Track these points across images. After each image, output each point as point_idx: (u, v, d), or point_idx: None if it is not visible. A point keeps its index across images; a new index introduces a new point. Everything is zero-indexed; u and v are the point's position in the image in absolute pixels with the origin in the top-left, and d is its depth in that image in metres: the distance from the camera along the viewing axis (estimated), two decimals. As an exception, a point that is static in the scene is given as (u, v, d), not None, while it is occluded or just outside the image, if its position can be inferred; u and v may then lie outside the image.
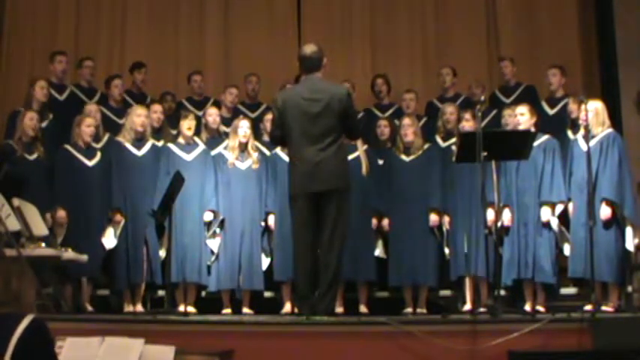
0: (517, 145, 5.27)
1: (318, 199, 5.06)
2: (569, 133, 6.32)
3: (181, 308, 5.79)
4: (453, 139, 6.45)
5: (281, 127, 5.17)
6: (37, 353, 2.46)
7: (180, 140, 6.50)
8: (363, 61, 8.58)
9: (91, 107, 6.77)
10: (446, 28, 8.62)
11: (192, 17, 8.68)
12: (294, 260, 5.17)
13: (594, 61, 8.23)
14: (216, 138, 6.75)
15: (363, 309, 6.31)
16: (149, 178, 6.32)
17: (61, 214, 6.11)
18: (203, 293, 6.46)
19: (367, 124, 7.05)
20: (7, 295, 2.64)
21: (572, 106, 6.25)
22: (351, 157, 6.33)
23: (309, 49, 5.26)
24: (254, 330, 4.65)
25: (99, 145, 6.56)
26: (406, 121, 6.52)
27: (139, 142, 6.39)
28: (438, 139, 6.64)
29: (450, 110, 6.65)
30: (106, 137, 6.70)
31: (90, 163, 6.29)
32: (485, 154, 4.93)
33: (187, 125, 6.42)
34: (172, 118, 7.15)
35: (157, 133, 6.69)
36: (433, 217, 6.29)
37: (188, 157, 6.41)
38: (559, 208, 5.90)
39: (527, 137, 5.44)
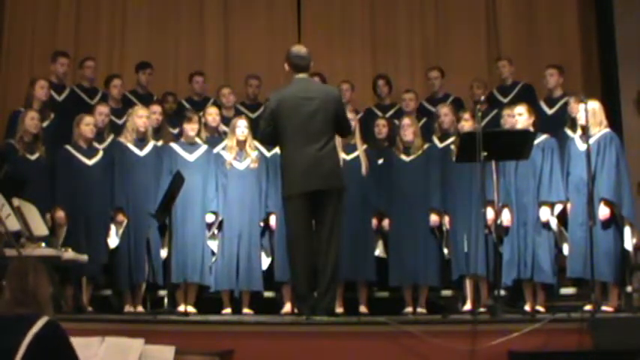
0: (517, 144, 5.27)
1: (314, 198, 5.06)
2: (569, 132, 6.31)
3: (181, 308, 5.79)
4: (450, 140, 6.46)
5: (273, 126, 5.18)
6: (51, 355, 2.45)
7: (183, 140, 6.51)
8: (363, 61, 8.58)
9: (102, 108, 6.74)
10: (446, 29, 8.61)
11: (192, 17, 8.68)
12: (292, 261, 5.17)
13: (594, 61, 8.22)
14: (215, 137, 6.76)
15: (363, 309, 6.31)
16: (151, 178, 6.33)
17: (60, 214, 6.11)
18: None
19: (367, 123, 7.06)
20: (24, 294, 2.63)
21: (574, 106, 6.25)
22: (350, 156, 6.36)
23: (303, 49, 5.36)
24: (254, 330, 4.65)
25: (102, 146, 6.55)
26: (406, 121, 6.53)
27: (140, 142, 6.40)
28: (436, 140, 6.64)
29: (444, 111, 6.64)
30: (110, 138, 6.67)
31: (90, 163, 6.30)
32: (485, 154, 4.94)
33: (191, 128, 6.44)
34: (173, 118, 7.16)
35: (156, 133, 6.70)
36: (433, 217, 6.29)
37: (190, 157, 6.42)
38: (558, 207, 5.91)
39: (527, 137, 5.44)
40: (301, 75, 5.28)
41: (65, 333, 2.56)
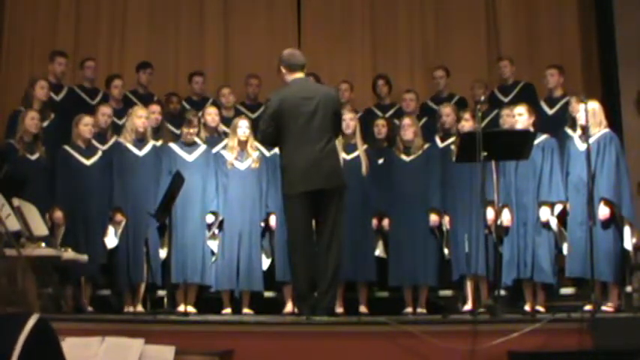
0: (517, 144, 5.27)
1: (316, 198, 5.06)
2: (569, 131, 6.30)
3: (181, 308, 5.79)
4: (451, 139, 6.46)
5: (274, 126, 5.19)
6: (45, 353, 2.46)
7: (182, 140, 6.51)
8: (363, 61, 8.58)
9: (105, 109, 6.72)
10: (446, 28, 8.61)
11: (192, 17, 8.67)
12: (292, 261, 5.17)
13: (594, 61, 8.22)
14: (214, 137, 6.76)
15: (363, 309, 6.31)
16: (150, 178, 6.33)
17: (58, 214, 6.12)
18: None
19: (367, 123, 7.06)
20: (14, 293, 2.64)
21: (575, 106, 6.24)
22: (350, 156, 6.36)
23: (296, 50, 5.46)
24: (254, 330, 4.65)
25: (104, 147, 6.53)
26: (406, 121, 6.53)
27: (140, 142, 6.41)
28: (437, 140, 6.65)
29: (446, 112, 6.64)
30: (113, 139, 6.63)
31: (88, 163, 6.30)
32: (485, 154, 4.93)
33: (192, 131, 6.44)
34: (176, 119, 7.16)
35: (156, 133, 6.70)
36: (433, 217, 6.29)
37: (189, 157, 6.42)
38: (558, 207, 5.91)
39: (527, 137, 5.44)
40: (298, 75, 5.28)
41: (55, 330, 2.58)
